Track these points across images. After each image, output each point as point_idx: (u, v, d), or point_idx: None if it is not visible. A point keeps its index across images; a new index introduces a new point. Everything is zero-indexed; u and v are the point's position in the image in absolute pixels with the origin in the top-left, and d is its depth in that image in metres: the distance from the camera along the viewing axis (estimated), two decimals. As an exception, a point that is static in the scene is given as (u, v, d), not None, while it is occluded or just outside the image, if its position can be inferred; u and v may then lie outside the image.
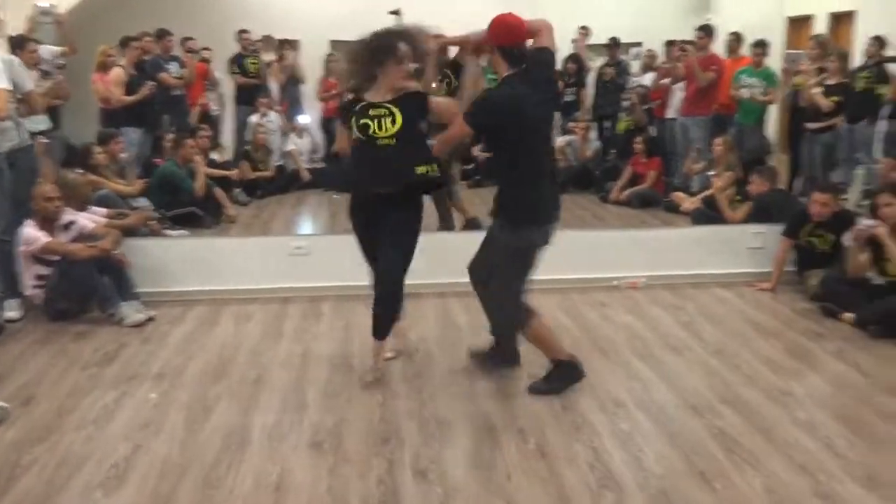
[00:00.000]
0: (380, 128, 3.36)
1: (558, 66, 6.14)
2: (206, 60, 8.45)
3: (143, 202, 6.09)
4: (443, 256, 4.44)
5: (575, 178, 7.90)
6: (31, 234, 4.54)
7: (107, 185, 5.82)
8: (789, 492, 2.79)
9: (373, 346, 3.73)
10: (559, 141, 8.13)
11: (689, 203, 6.73)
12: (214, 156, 7.66)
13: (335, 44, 9.61)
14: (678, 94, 7.78)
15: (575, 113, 8.63)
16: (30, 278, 4.60)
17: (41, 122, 5.38)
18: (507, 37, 3.29)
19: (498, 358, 3.82)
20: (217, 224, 6.58)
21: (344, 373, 3.84)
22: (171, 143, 6.84)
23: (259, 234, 6.41)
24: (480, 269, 3.60)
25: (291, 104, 8.95)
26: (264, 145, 8.17)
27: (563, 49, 6.99)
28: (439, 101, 3.54)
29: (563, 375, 3.55)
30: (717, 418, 3.34)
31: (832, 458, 3.02)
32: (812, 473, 2.90)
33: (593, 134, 8.66)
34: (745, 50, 7.63)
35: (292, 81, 8.99)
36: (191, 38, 8.37)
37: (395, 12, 6.27)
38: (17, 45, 5.88)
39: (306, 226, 7.42)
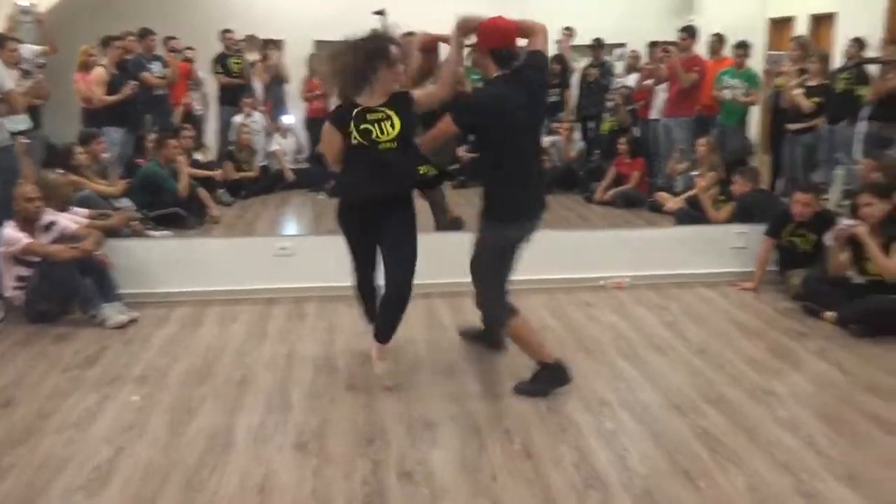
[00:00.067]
0: (381, 132, 3.35)
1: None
2: (189, 60, 8.39)
3: (125, 203, 6.04)
4: (427, 257, 4.39)
5: (559, 178, 7.93)
6: (12, 235, 4.49)
7: (88, 186, 5.77)
8: (772, 490, 2.81)
9: (378, 350, 3.63)
10: (543, 141, 8.14)
11: (672, 203, 6.76)
12: (198, 156, 7.60)
13: (319, 44, 9.58)
14: (661, 94, 7.82)
15: (559, 114, 8.64)
16: (10, 279, 4.55)
17: (22, 122, 5.33)
18: (498, 40, 3.34)
19: (485, 341, 3.97)
20: (201, 225, 6.54)
21: (328, 374, 3.83)
22: (154, 144, 6.79)
23: (243, 234, 6.37)
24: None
25: (275, 104, 8.91)
26: (248, 145, 8.13)
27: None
28: (419, 94, 3.54)
29: (549, 378, 3.55)
30: (700, 418, 3.37)
31: (814, 456, 3.04)
32: (794, 472, 2.93)
33: (577, 134, 8.70)
34: (728, 51, 7.68)
35: (276, 81, 8.94)
36: (174, 38, 8.30)
37: (380, 12, 6.27)
38: (-2, 43, 5.82)
39: (291, 226, 7.40)
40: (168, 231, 6.03)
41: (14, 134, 4.92)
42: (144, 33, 7.73)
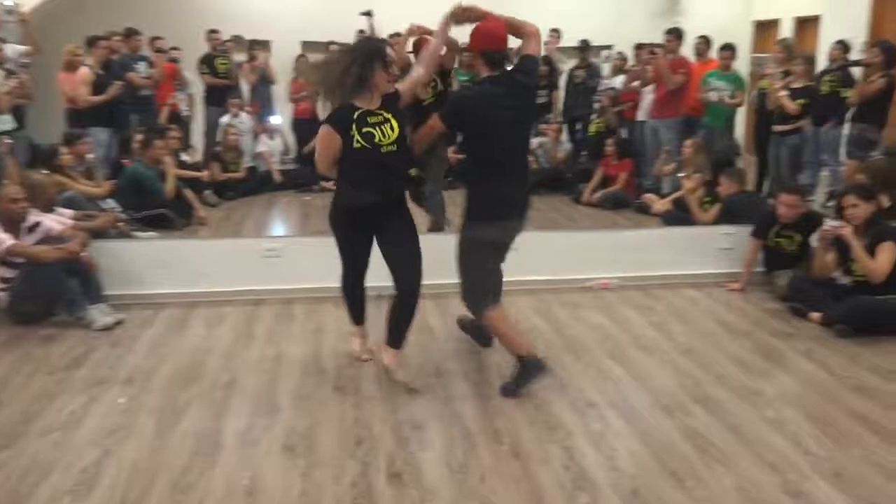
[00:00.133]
0: (383, 135, 3.35)
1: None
2: (175, 60, 8.36)
3: (110, 204, 6.00)
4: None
5: (546, 179, 7.94)
6: (-4, 236, 4.44)
7: (73, 187, 5.73)
8: (759, 490, 2.83)
9: (394, 356, 3.62)
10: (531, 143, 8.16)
11: (659, 204, 6.80)
12: (184, 157, 7.58)
13: (306, 45, 9.56)
14: (648, 96, 7.86)
15: (546, 115, 8.66)
16: (-6, 281, 4.51)
17: (6, 122, 5.30)
18: (490, 43, 3.38)
19: (477, 332, 4.07)
20: (187, 226, 6.52)
21: (316, 375, 3.82)
22: (140, 144, 6.74)
23: (230, 235, 6.35)
24: None
25: (262, 105, 8.89)
26: (236, 146, 8.09)
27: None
28: (402, 88, 3.53)
29: (527, 372, 3.56)
30: (688, 417, 3.38)
31: (801, 455, 3.06)
32: (781, 471, 2.94)
33: (564, 136, 8.72)
34: (713, 53, 7.73)
35: (263, 82, 8.93)
36: (159, 38, 8.28)
37: (367, 13, 6.26)
38: (-19, 43, 5.78)
39: (278, 227, 7.37)
40: (154, 232, 6.00)
41: (-2, 134, 4.88)
42: (130, 33, 7.70)
